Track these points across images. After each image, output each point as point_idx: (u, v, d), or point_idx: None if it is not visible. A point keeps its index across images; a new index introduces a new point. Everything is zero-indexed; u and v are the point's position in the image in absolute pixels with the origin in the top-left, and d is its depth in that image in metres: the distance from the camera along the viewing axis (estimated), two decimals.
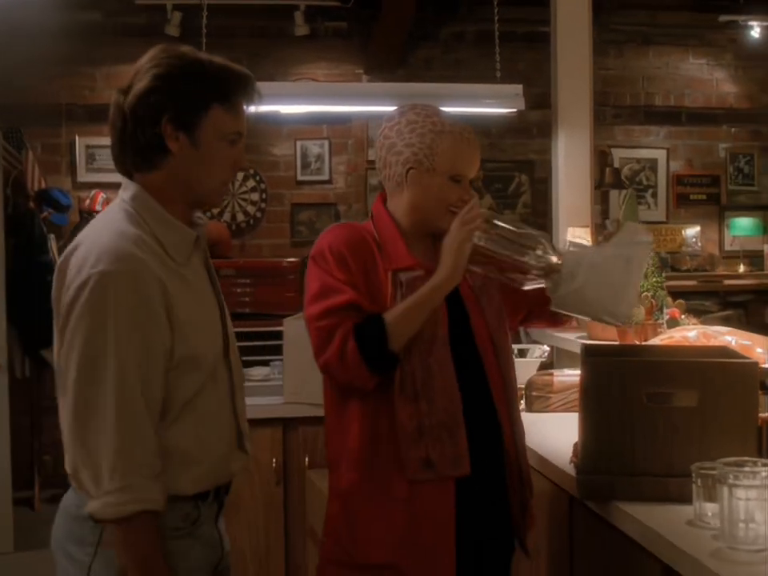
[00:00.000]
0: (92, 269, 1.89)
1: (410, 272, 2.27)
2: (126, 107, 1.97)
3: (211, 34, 6.76)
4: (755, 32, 7.32)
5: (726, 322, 4.75)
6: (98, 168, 6.93)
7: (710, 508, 1.95)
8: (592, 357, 2.24)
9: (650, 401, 2.14)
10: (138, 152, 1.98)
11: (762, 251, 7.71)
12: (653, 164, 7.77)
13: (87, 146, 6.92)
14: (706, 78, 7.75)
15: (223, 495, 2.11)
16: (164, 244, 1.98)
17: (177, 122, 1.95)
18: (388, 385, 2.21)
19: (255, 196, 7.22)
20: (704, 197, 7.82)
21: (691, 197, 7.81)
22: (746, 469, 1.85)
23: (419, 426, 2.19)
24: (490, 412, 2.29)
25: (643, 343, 3.25)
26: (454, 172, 2.30)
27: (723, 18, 7.27)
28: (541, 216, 7.62)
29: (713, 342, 2.97)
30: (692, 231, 7.76)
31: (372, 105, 4.76)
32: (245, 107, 2.04)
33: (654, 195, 7.78)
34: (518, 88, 4.21)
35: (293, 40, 7.04)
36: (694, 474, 1.98)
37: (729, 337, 3.02)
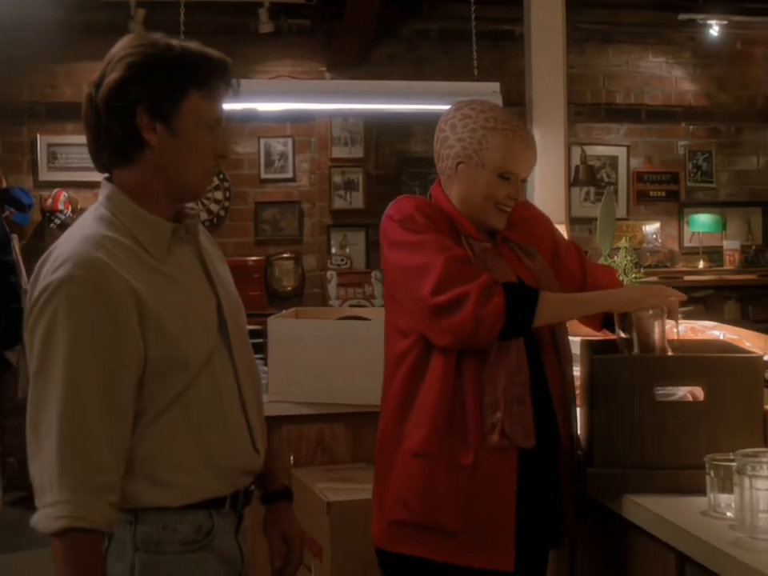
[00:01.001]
0: (52, 276, 1.83)
1: (480, 243, 2.31)
2: (99, 100, 1.88)
3: (173, 30, 6.73)
4: (714, 30, 7.42)
5: (686, 317, 4.82)
6: (59, 167, 6.86)
7: (724, 499, 1.98)
8: (600, 354, 2.26)
9: (658, 396, 2.18)
10: (114, 147, 1.91)
11: (721, 247, 7.82)
12: (613, 161, 7.85)
13: (49, 145, 6.85)
14: (665, 76, 7.84)
15: (241, 506, 2.03)
16: (141, 241, 1.91)
17: (153, 112, 1.88)
18: (471, 354, 2.23)
19: (219, 194, 7.19)
20: (663, 193, 7.91)
21: (651, 193, 7.90)
22: (765, 459, 1.88)
23: (496, 397, 2.21)
24: (544, 391, 2.31)
25: None
26: (502, 169, 2.30)
27: (682, 16, 7.36)
28: None
29: (701, 337, 3.02)
30: (652, 228, 7.86)
31: (351, 103, 4.75)
32: (223, 93, 1.96)
33: (615, 192, 7.85)
34: (495, 86, 4.24)
35: (256, 37, 7.02)
36: (707, 466, 2.01)
37: (716, 331, 3.07)
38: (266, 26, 6.87)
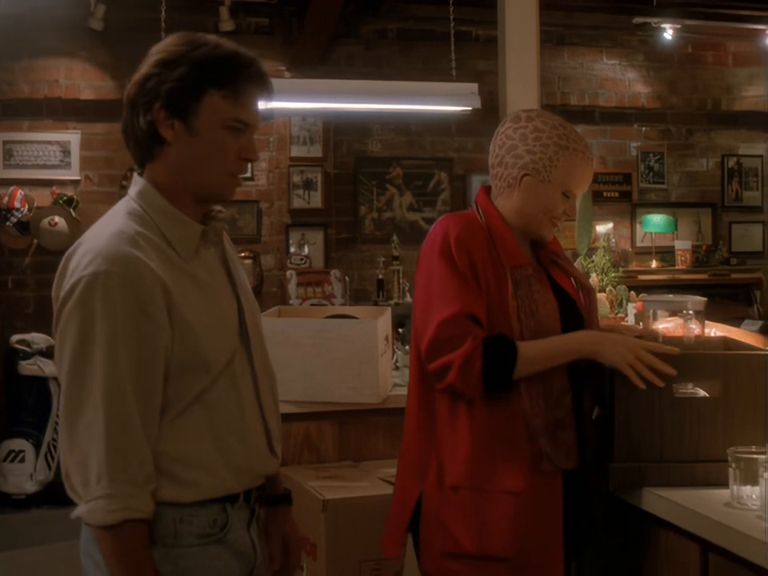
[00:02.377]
0: (83, 271, 1.84)
1: (523, 269, 2.33)
2: (126, 96, 1.94)
3: (134, 27, 6.68)
4: (667, 34, 7.55)
5: None
6: (15, 164, 6.75)
7: (747, 491, 2.04)
8: None
9: (677, 392, 2.23)
10: (138, 142, 1.95)
11: (673, 247, 7.96)
12: None
13: (5, 142, 6.72)
14: (618, 79, 7.96)
15: (255, 501, 2.07)
16: (169, 239, 1.94)
17: (170, 109, 1.90)
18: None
19: None
20: (616, 194, 8.04)
21: (604, 194, 8.02)
22: None
23: (540, 423, 2.25)
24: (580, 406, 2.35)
25: None
26: (567, 188, 2.34)
27: (637, 19, 7.48)
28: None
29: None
30: (605, 228, 7.96)
31: (331, 102, 4.74)
32: (252, 95, 1.95)
33: None
34: (474, 86, 4.27)
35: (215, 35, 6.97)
36: (730, 459, 2.07)
37: (706, 329, 3.13)
38: (226, 25, 6.83)
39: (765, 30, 7.77)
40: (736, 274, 7.85)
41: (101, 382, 1.82)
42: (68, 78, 6.82)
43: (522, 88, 4.51)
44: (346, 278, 6.76)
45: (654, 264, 7.89)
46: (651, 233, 7.99)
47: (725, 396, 2.23)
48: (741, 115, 8.19)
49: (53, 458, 6.30)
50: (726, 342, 2.58)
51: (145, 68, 1.93)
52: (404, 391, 3.71)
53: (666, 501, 2.15)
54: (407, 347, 3.94)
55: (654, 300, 2.49)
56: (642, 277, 7.67)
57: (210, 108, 1.91)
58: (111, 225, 1.92)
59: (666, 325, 3.29)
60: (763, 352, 2.34)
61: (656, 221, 7.93)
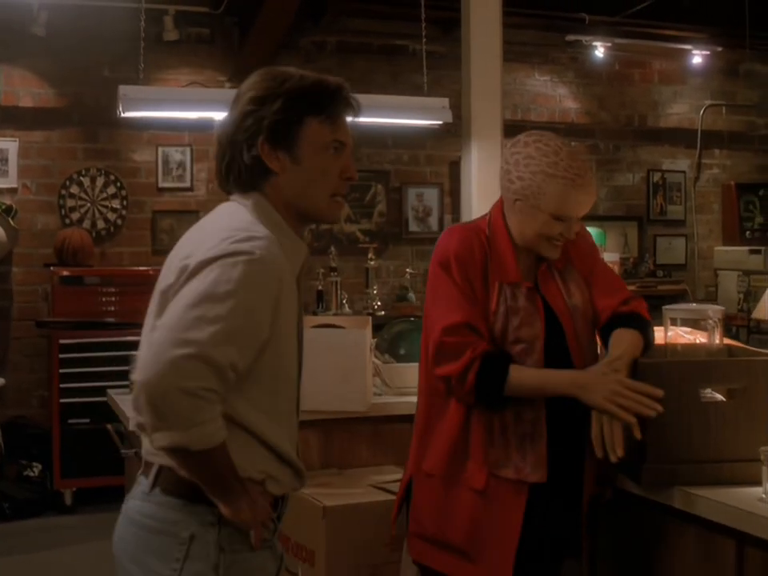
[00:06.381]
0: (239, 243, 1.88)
1: (515, 287, 2.42)
2: (224, 136, 2.02)
3: (77, 35, 6.62)
4: (599, 51, 7.79)
5: None
6: None
7: None
8: (649, 360, 2.42)
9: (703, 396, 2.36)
10: (238, 177, 2.03)
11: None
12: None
13: None
14: (550, 95, 8.17)
15: (282, 508, 2.13)
16: (284, 249, 1.98)
17: (273, 142, 1.98)
18: None
19: (116, 203, 7.08)
20: None
21: None
22: None
23: (505, 434, 2.36)
24: (573, 420, 2.41)
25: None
26: (557, 213, 2.37)
27: (570, 37, 7.69)
28: (395, 225, 7.83)
29: (682, 341, 3.21)
30: None
31: None
32: (345, 115, 2.04)
33: None
34: (445, 101, 4.37)
35: (157, 45, 6.95)
36: (762, 458, 2.19)
37: (689, 336, 3.26)
38: (170, 34, 6.83)
39: (689, 49, 8.07)
40: (662, 286, 8.10)
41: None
42: (7, 84, 6.73)
43: (488, 102, 4.64)
44: None
45: None
46: None
47: (746, 399, 2.35)
48: (665, 131, 8.47)
49: None
50: (729, 349, 2.71)
51: (239, 107, 2.00)
52: (384, 400, 3.82)
53: (701, 498, 2.26)
54: (386, 356, 4.02)
55: (673, 308, 2.60)
56: None
57: (310, 135, 2.00)
58: (244, 217, 1.99)
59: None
60: None
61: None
